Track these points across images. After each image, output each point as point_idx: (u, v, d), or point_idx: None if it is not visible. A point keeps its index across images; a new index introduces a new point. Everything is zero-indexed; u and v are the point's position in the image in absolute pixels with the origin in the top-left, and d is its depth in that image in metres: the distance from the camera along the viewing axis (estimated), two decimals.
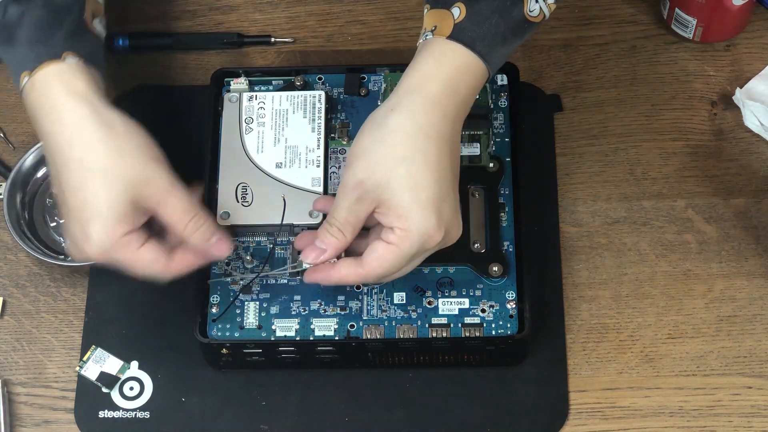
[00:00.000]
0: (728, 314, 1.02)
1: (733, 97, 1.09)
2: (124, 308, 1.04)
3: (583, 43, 1.13)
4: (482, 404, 0.99)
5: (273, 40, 1.14)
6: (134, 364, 1.02)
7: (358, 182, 0.91)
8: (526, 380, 1.00)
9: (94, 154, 0.91)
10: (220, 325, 0.98)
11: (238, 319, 0.98)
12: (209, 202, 1.00)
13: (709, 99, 1.10)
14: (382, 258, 0.91)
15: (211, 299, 0.99)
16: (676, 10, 1.10)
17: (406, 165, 0.90)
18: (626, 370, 1.01)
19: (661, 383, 1.00)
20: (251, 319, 0.98)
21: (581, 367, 1.01)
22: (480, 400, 1.00)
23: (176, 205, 0.92)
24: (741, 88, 1.10)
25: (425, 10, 0.95)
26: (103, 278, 1.04)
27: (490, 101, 1.04)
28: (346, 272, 0.93)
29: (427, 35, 0.93)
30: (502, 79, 1.06)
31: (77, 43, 0.94)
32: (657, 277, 1.04)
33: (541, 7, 0.93)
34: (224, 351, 0.98)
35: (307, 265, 0.94)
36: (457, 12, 0.92)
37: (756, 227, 1.05)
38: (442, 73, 0.92)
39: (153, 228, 0.93)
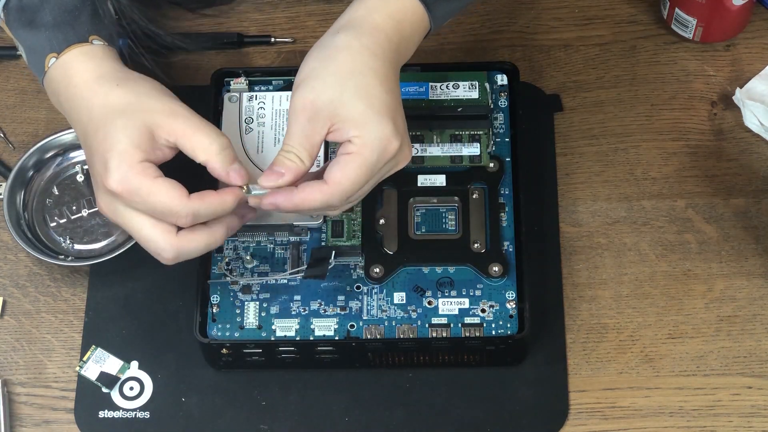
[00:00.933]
0: (728, 314, 1.02)
1: (733, 97, 1.09)
2: (124, 308, 1.04)
3: (583, 43, 1.13)
4: (482, 404, 0.99)
5: (273, 40, 1.14)
6: (134, 364, 1.02)
7: (308, 102, 0.91)
8: (526, 380, 1.00)
9: (114, 96, 0.92)
10: (220, 325, 0.98)
11: (238, 319, 0.98)
12: None
13: (709, 99, 1.10)
14: (345, 170, 0.90)
15: (212, 299, 0.99)
16: (676, 10, 1.10)
17: (356, 78, 0.91)
18: (626, 370, 1.01)
19: (661, 383, 1.00)
20: (251, 319, 0.98)
21: (581, 367, 1.01)
22: (480, 400, 1.00)
23: (201, 132, 0.92)
24: (741, 88, 1.10)
25: None
26: (103, 278, 1.04)
27: (490, 101, 1.04)
28: (310, 192, 0.90)
29: None
30: (502, 79, 1.06)
31: (99, 25, 0.96)
32: (657, 277, 1.04)
33: None
34: (224, 351, 0.98)
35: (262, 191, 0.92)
36: None
37: (756, 227, 1.05)
38: (387, 9, 0.93)
39: None
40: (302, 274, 0.98)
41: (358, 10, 0.93)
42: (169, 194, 0.90)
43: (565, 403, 0.99)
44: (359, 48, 0.92)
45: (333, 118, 0.90)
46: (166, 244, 0.91)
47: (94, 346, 1.02)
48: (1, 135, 1.11)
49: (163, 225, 0.91)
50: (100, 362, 1.01)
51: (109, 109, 0.92)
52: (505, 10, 1.15)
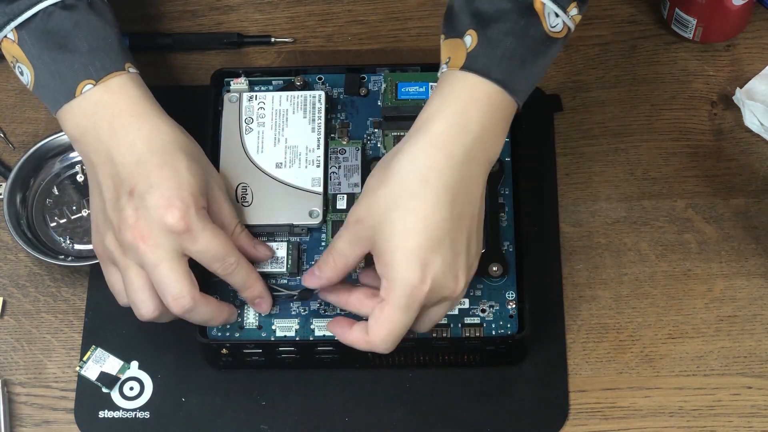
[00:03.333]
0: (728, 314, 1.02)
1: (733, 97, 1.09)
2: (124, 308, 1.03)
3: (583, 43, 1.13)
4: (482, 404, 0.99)
5: (273, 40, 1.14)
6: (134, 364, 1.02)
7: (357, 219, 0.90)
8: (526, 380, 1.00)
9: (181, 140, 0.93)
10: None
11: (239, 319, 0.98)
12: None
13: (709, 99, 1.10)
14: (378, 320, 0.89)
15: None
16: (676, 10, 1.10)
17: (399, 211, 0.88)
18: (626, 370, 1.01)
19: (661, 383, 1.00)
20: (251, 319, 0.98)
21: (581, 367, 1.01)
22: (480, 400, 1.00)
23: (229, 207, 0.96)
24: (741, 88, 1.10)
25: (441, 39, 0.92)
26: (103, 278, 1.04)
27: None
28: (356, 337, 0.91)
29: (442, 68, 0.91)
30: None
31: (128, 53, 0.96)
32: (657, 277, 1.04)
33: (564, 21, 0.90)
34: (224, 351, 0.98)
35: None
36: (469, 40, 0.89)
37: (756, 227, 1.05)
38: (448, 109, 0.88)
39: None
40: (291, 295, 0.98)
41: (422, 116, 0.89)
42: (223, 238, 0.92)
43: (565, 403, 1.00)
44: (411, 174, 0.87)
45: (372, 245, 0.89)
46: (186, 290, 0.91)
47: (94, 346, 1.02)
48: (1, 135, 1.11)
49: (192, 276, 0.92)
50: (100, 362, 1.02)
51: (175, 145, 0.92)
52: None
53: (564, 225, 1.06)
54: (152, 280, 0.92)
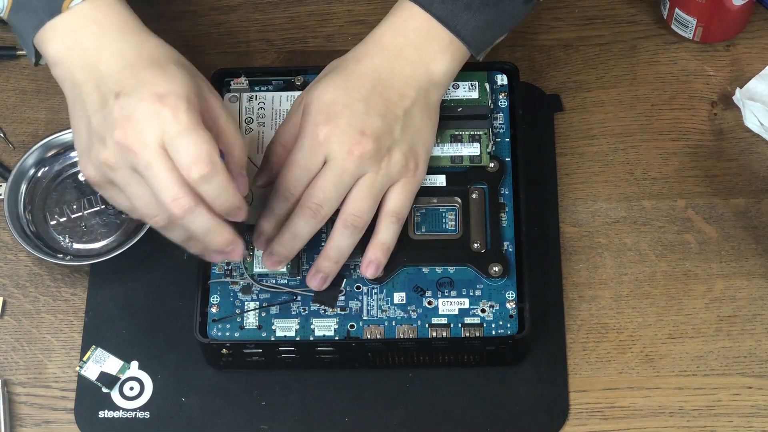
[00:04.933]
0: (728, 314, 1.02)
1: (733, 97, 1.09)
2: (124, 308, 1.04)
3: (583, 43, 1.13)
4: (482, 404, 0.99)
5: (17, 53, 1.14)
6: (134, 364, 1.02)
7: (299, 102, 0.98)
8: (526, 380, 1.00)
9: (173, 53, 0.93)
10: (220, 326, 0.98)
11: (238, 319, 0.98)
12: None
13: (709, 99, 1.10)
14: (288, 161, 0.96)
15: (211, 299, 0.99)
16: (676, 10, 1.10)
17: (330, 74, 0.96)
18: (626, 370, 1.01)
19: (661, 383, 1.00)
20: (251, 319, 0.98)
21: (581, 367, 1.01)
22: (480, 400, 1.00)
23: (230, 118, 0.93)
24: (741, 88, 1.10)
25: None
26: (103, 278, 1.04)
27: (490, 101, 1.04)
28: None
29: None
30: (502, 79, 1.05)
31: None
32: (657, 277, 1.04)
33: None
34: (224, 351, 0.98)
35: None
36: None
37: (756, 227, 1.05)
38: (388, 21, 0.96)
39: None
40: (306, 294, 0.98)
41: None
42: (212, 143, 0.88)
43: (565, 403, 0.99)
44: (346, 56, 0.97)
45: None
46: (184, 190, 0.88)
47: (94, 346, 1.02)
48: (1, 135, 1.11)
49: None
50: (100, 362, 1.02)
51: (166, 56, 0.91)
52: None
53: (564, 225, 1.06)
54: (147, 183, 0.89)
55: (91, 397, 1.01)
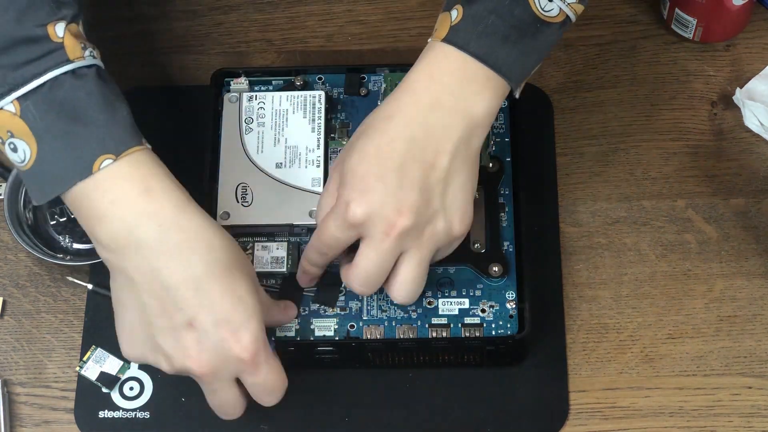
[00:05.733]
0: (728, 314, 1.02)
1: (733, 97, 1.09)
2: None
3: (583, 43, 1.13)
4: (482, 404, 0.99)
5: None
6: (134, 364, 1.02)
7: (333, 167, 0.95)
8: (526, 380, 1.00)
9: (234, 254, 0.90)
10: None
11: None
12: (209, 202, 1.00)
13: (709, 99, 1.10)
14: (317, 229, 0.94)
15: None
16: (676, 10, 1.10)
17: (360, 140, 0.91)
18: (626, 370, 1.01)
19: (661, 383, 1.00)
20: None
21: (581, 367, 1.01)
22: (480, 400, 0.99)
23: (269, 306, 0.94)
24: (741, 88, 1.10)
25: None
26: (103, 278, 1.04)
27: None
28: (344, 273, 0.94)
29: (429, 40, 0.92)
30: None
31: (138, 128, 0.90)
32: (657, 277, 1.04)
33: (560, 7, 0.90)
34: None
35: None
36: (455, 14, 0.90)
37: (756, 227, 1.05)
38: (420, 65, 0.91)
39: None
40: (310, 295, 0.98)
41: (402, 82, 0.92)
42: (281, 372, 0.92)
43: (565, 403, 0.99)
44: (376, 112, 0.92)
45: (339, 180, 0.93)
46: (239, 410, 0.94)
47: (94, 346, 1.02)
48: None
49: (243, 395, 0.93)
50: (100, 362, 1.01)
51: (231, 264, 0.88)
52: None
53: (564, 225, 1.06)
54: (206, 393, 0.93)
55: (91, 397, 1.01)
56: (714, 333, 1.02)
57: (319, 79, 1.07)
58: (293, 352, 0.98)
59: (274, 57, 1.14)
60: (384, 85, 1.05)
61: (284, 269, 0.99)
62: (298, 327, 0.98)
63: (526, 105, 1.05)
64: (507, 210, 1.01)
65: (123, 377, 1.01)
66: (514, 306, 0.98)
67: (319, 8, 1.16)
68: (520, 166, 1.02)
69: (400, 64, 1.06)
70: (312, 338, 0.98)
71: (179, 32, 1.15)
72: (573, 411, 0.99)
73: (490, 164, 1.02)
